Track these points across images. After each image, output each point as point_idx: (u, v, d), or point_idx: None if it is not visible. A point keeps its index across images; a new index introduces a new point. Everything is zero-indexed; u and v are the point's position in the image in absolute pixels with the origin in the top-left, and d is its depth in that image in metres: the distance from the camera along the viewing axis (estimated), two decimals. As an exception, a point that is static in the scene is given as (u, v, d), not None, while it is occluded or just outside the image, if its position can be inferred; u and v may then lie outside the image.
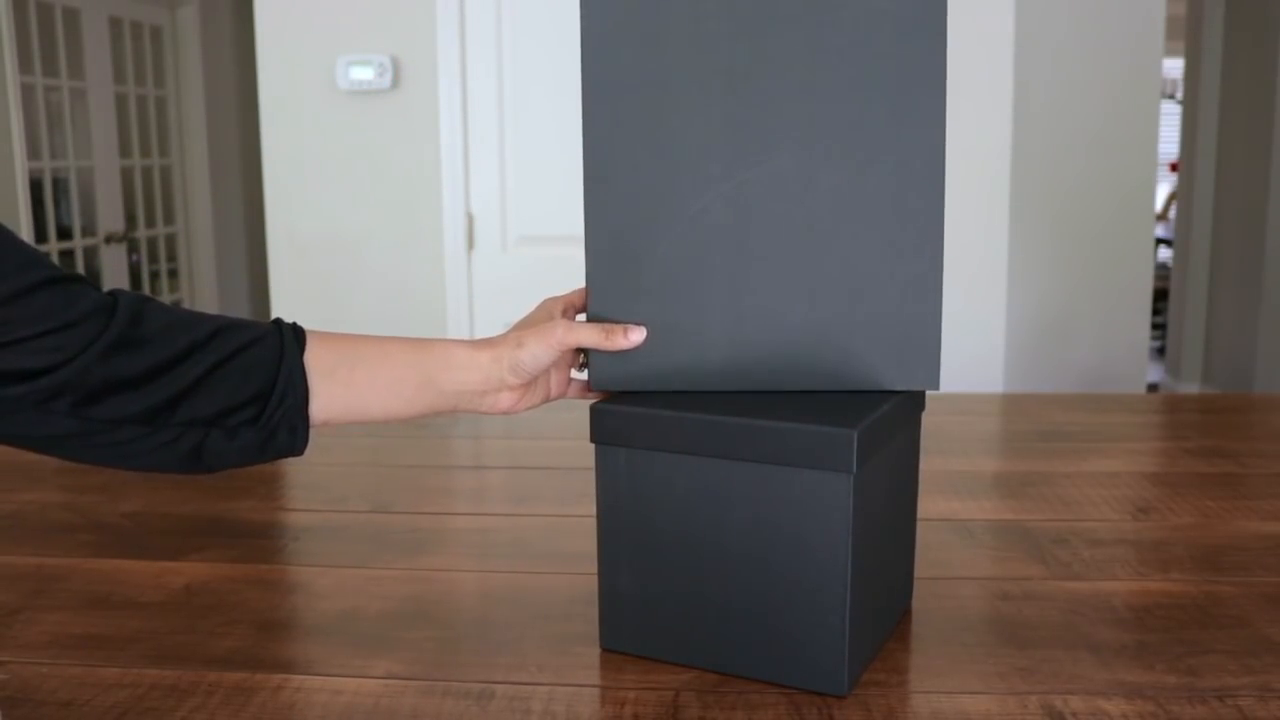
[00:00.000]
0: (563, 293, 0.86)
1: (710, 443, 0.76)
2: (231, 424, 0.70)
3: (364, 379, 0.76)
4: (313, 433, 0.74)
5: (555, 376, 0.85)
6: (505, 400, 0.80)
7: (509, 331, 0.81)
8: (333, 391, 0.75)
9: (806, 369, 0.81)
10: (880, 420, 0.76)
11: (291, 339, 0.74)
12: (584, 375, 0.86)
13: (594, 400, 0.83)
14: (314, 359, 0.74)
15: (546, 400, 0.85)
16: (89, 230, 4.16)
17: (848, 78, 0.78)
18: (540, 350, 0.79)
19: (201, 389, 0.68)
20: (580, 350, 0.84)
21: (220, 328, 0.70)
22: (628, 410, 0.79)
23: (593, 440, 0.81)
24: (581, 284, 0.85)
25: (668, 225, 0.81)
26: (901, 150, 0.78)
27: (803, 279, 0.80)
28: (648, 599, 0.81)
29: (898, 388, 0.81)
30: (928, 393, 0.87)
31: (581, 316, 0.85)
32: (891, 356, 0.80)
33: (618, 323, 0.82)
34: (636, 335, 0.81)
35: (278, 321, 0.75)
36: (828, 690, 0.76)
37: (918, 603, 0.91)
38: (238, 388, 0.70)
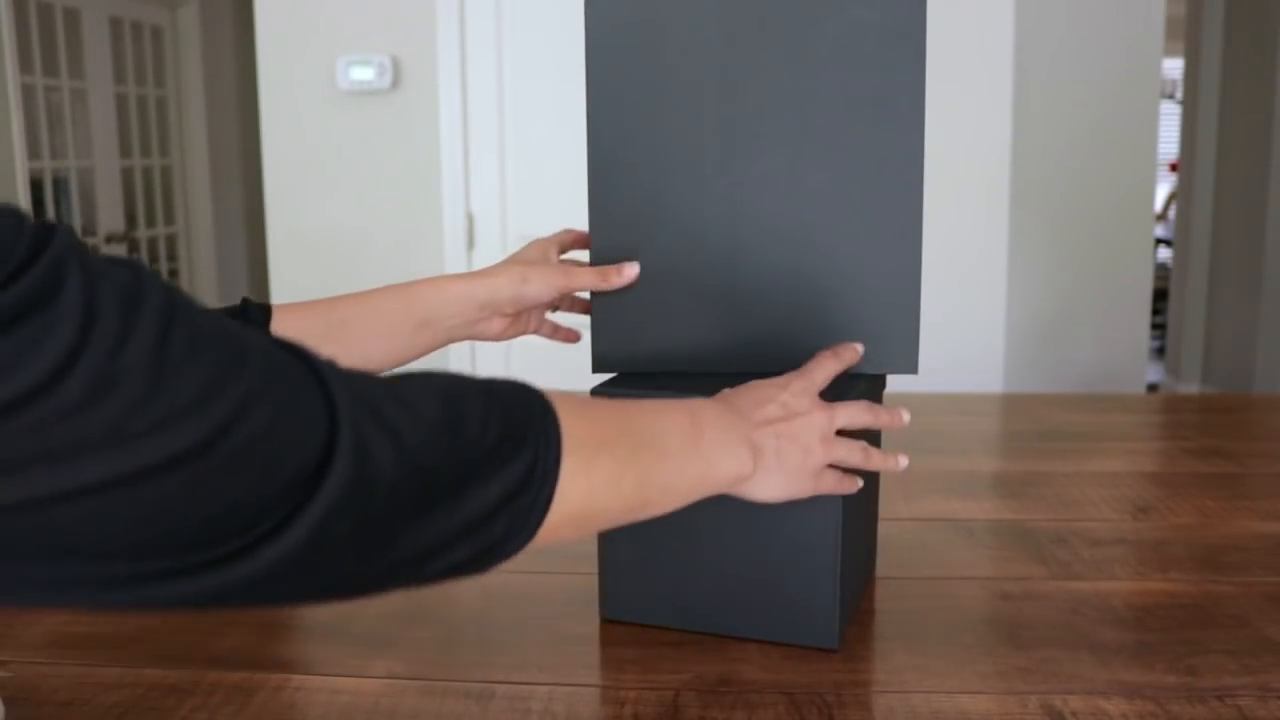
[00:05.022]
0: (550, 235, 0.93)
1: None
2: None
3: (359, 336, 0.80)
4: None
5: (536, 315, 0.93)
6: (496, 326, 0.87)
7: (507, 264, 0.87)
8: (335, 352, 0.77)
9: (795, 353, 0.86)
10: (858, 398, 0.81)
11: (257, 315, 0.77)
12: (555, 316, 0.96)
13: (561, 341, 0.94)
14: (305, 328, 0.77)
15: (524, 334, 0.92)
16: (89, 230, 4.16)
17: (833, 84, 0.84)
18: (544, 289, 0.86)
19: None
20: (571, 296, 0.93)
21: None
22: (625, 393, 0.84)
23: None
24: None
25: (666, 220, 0.87)
26: (883, 151, 0.84)
27: (792, 271, 0.86)
28: (647, 569, 0.86)
29: (879, 372, 0.87)
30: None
31: (571, 255, 0.94)
32: (874, 343, 0.86)
33: (610, 266, 0.87)
34: (630, 270, 0.86)
35: (244, 300, 0.78)
36: (821, 644, 0.82)
37: (917, 603, 0.91)
38: None
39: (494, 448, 0.50)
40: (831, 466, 0.75)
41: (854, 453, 0.75)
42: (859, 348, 0.83)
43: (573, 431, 0.55)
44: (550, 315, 0.96)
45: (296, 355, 0.46)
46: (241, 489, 0.41)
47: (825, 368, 0.79)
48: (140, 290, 0.39)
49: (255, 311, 0.78)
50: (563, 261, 0.90)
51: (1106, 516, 1.13)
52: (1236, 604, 0.90)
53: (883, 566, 0.98)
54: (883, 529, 1.03)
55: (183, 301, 0.41)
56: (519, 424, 0.52)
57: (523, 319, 0.91)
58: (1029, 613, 0.89)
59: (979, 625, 0.87)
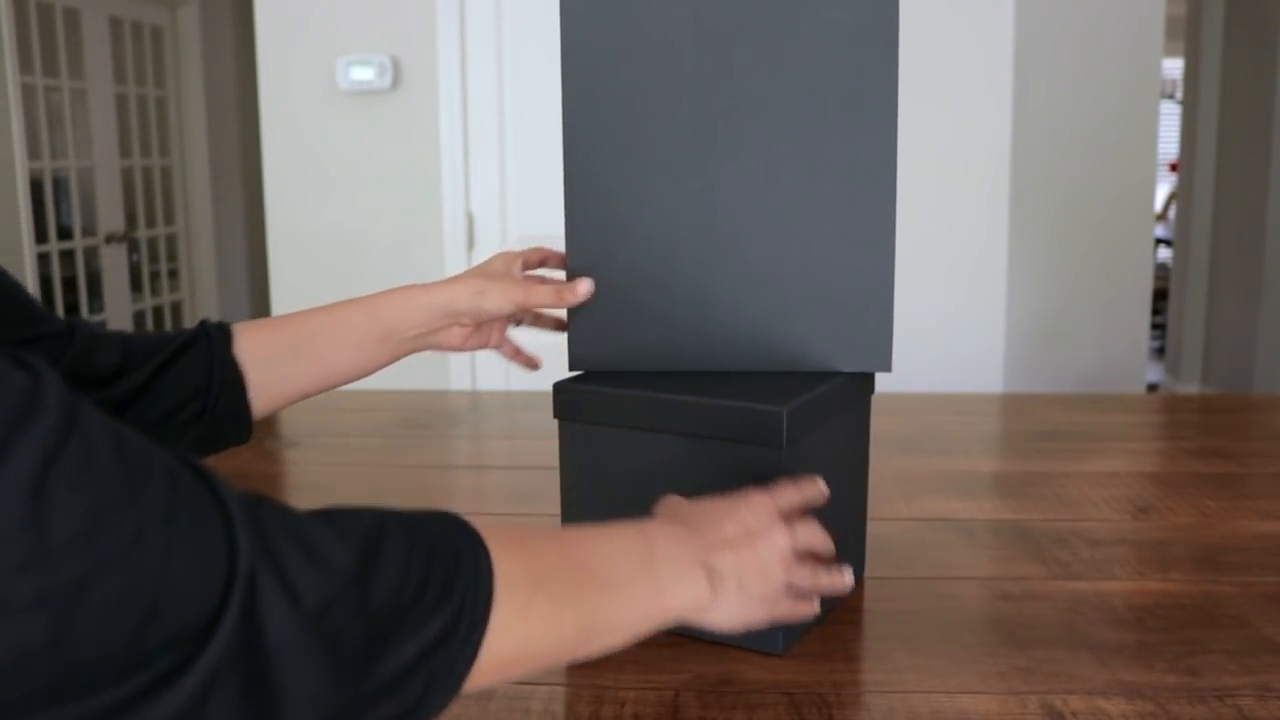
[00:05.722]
0: (518, 249, 0.94)
1: (656, 419, 0.83)
2: (180, 420, 0.76)
3: (326, 349, 0.82)
4: (293, 412, 0.81)
5: (498, 330, 0.93)
6: (455, 337, 0.88)
7: (467, 276, 0.88)
8: (303, 368, 0.82)
9: (769, 351, 0.88)
10: (815, 400, 0.81)
11: (218, 335, 0.79)
12: (521, 331, 0.96)
13: (522, 365, 0.95)
14: (270, 345, 0.80)
15: (485, 347, 0.92)
16: (89, 230, 4.16)
17: (806, 84, 0.85)
18: (502, 302, 0.86)
19: (146, 393, 0.75)
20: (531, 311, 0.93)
21: (153, 339, 0.78)
22: (584, 389, 0.86)
23: (555, 416, 0.87)
24: None
25: (641, 219, 0.88)
26: (855, 150, 0.85)
27: (765, 269, 0.87)
28: None
29: (853, 369, 0.88)
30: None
31: (540, 272, 0.93)
32: (847, 340, 0.87)
33: (566, 283, 0.88)
34: (584, 288, 0.87)
35: (203, 322, 0.80)
36: (764, 649, 0.81)
37: (917, 603, 0.91)
38: (176, 388, 0.76)
39: (413, 603, 0.46)
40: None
41: (806, 577, 0.70)
42: (822, 486, 0.75)
43: (508, 569, 0.51)
44: (513, 330, 0.96)
45: (207, 484, 0.41)
46: (114, 639, 0.36)
47: (786, 493, 0.73)
48: (33, 405, 0.35)
49: (215, 332, 0.79)
50: (527, 277, 0.90)
51: (1106, 516, 1.13)
52: (1236, 604, 0.90)
53: (882, 566, 0.98)
54: (883, 529, 1.03)
55: (83, 417, 0.36)
56: (445, 570, 0.48)
57: (484, 332, 0.90)
58: (1029, 613, 0.89)
59: (979, 625, 0.87)
